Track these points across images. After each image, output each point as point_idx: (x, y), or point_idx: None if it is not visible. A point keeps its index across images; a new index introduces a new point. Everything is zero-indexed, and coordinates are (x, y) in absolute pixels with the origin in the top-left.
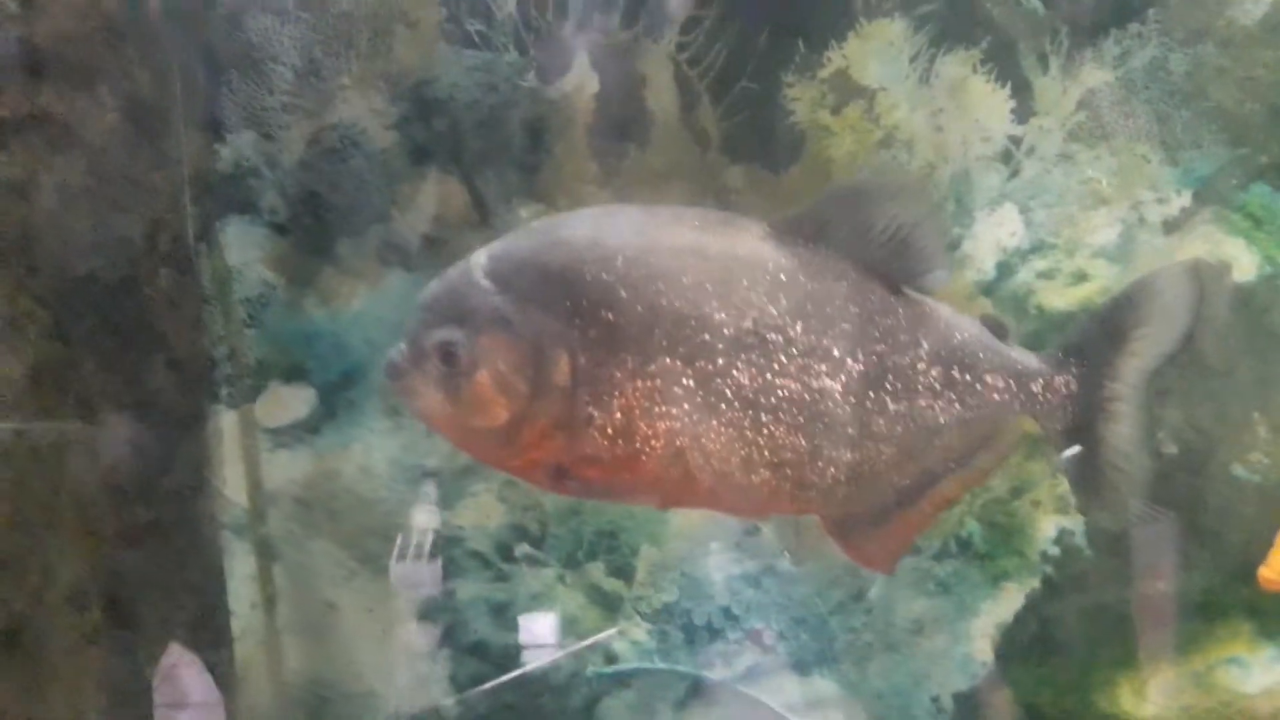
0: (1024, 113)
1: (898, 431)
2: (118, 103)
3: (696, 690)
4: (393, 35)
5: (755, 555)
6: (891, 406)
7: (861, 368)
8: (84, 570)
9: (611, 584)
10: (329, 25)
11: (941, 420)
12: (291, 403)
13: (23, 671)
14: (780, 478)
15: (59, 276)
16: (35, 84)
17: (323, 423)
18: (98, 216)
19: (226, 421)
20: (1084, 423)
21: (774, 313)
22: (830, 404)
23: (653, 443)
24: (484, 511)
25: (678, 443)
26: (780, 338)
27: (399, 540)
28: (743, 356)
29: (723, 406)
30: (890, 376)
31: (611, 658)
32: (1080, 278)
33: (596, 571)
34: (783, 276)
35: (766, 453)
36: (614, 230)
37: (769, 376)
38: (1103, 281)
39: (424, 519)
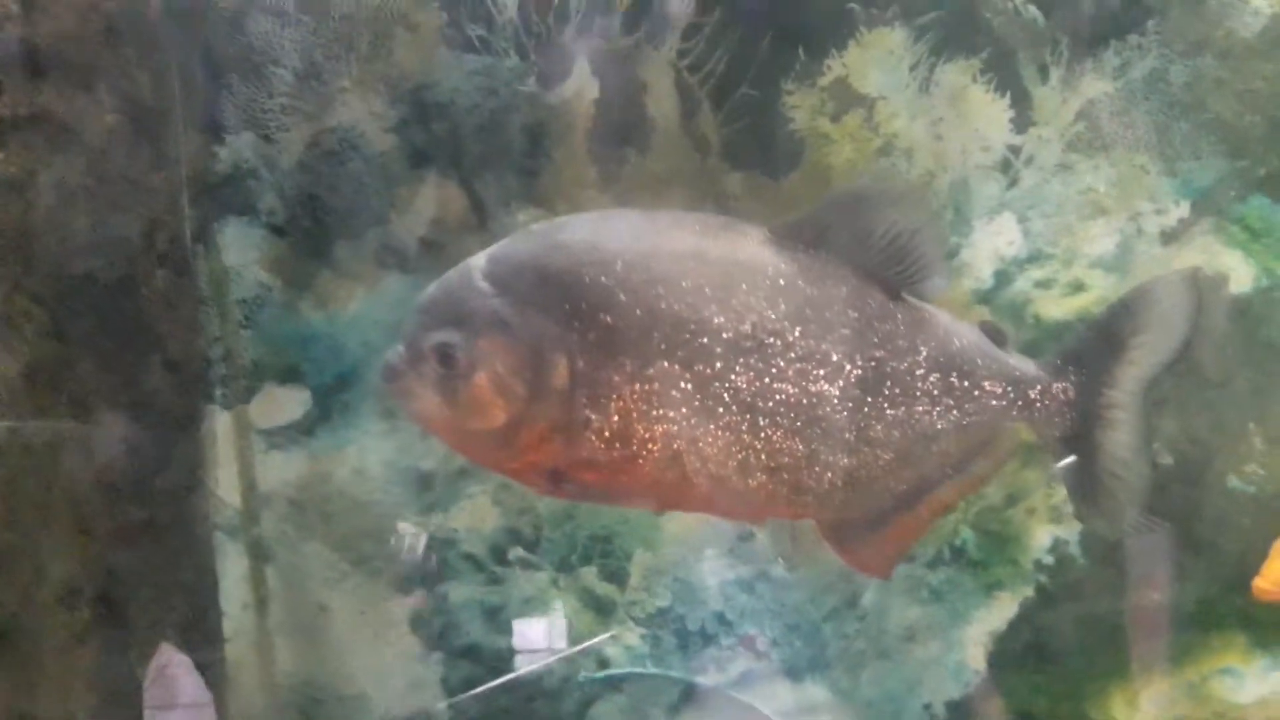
0: (1023, 122)
1: (895, 437)
2: (117, 103)
3: (689, 696)
4: (393, 39)
5: (749, 561)
6: (889, 412)
7: (860, 373)
8: (76, 569)
9: (605, 588)
10: (329, 28)
11: (939, 426)
12: (286, 404)
13: (13, 670)
14: (777, 482)
15: (56, 275)
16: (35, 84)
17: (317, 425)
18: (96, 216)
19: (221, 422)
20: (1082, 430)
21: (773, 317)
22: (828, 409)
23: (650, 446)
24: (478, 514)
25: (675, 446)
26: (779, 342)
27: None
28: (741, 360)
29: (720, 410)
30: (888, 382)
31: (604, 662)
32: (1077, 287)
33: (590, 576)
34: (782, 281)
35: (764, 457)
36: (613, 234)
37: (767, 381)
38: (1100, 291)
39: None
